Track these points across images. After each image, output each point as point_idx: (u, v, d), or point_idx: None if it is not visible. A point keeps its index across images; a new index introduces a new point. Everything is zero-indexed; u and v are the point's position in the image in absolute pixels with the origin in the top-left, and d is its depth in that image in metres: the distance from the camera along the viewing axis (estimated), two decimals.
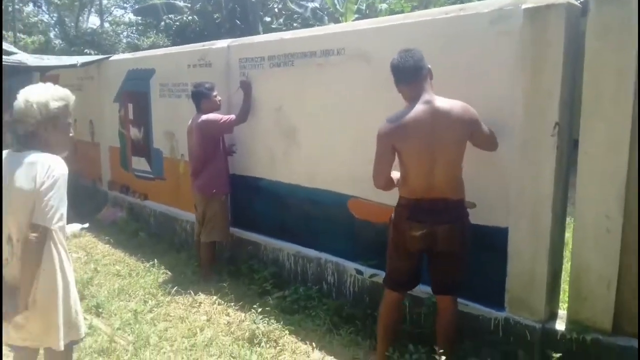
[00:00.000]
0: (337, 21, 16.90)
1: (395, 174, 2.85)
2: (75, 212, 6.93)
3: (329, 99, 3.91)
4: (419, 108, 2.65)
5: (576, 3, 2.74)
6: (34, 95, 2.18)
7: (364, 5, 14.82)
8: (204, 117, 4.48)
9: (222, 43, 5.01)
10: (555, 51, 2.67)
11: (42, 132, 2.20)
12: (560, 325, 2.83)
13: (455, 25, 3.12)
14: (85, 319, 3.54)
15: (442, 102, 2.66)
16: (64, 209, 2.16)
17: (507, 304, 2.99)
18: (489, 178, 3.02)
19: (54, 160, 2.16)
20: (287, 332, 3.47)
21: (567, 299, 2.86)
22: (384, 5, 13.46)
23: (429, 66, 2.75)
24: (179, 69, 5.49)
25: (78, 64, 6.96)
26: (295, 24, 20.25)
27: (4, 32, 18.48)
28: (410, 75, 2.70)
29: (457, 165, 2.71)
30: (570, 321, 2.79)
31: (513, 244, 2.93)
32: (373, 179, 2.85)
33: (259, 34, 17.59)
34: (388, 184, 2.85)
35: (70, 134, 2.35)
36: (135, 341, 3.36)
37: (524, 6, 2.78)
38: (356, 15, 15.70)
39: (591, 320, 2.71)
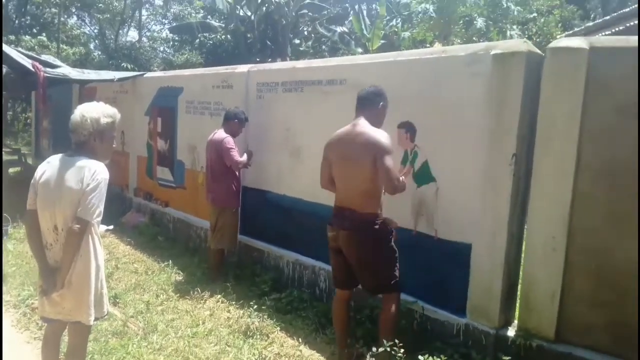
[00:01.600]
0: (363, 46, 17.47)
1: None
2: (103, 215, 7.56)
3: (331, 122, 4.32)
4: (346, 129, 3.28)
5: (538, 51, 3.16)
6: (89, 112, 2.64)
7: (387, 32, 15.32)
8: (223, 136, 4.88)
9: (243, 68, 5.54)
10: (515, 92, 3.10)
11: (92, 142, 2.64)
12: (512, 332, 3.20)
13: (439, 65, 3.57)
14: None
15: (361, 128, 3.18)
16: (102, 207, 2.63)
17: (468, 311, 3.38)
18: (459, 200, 3.43)
19: (99, 166, 2.60)
20: (278, 328, 3.90)
21: None
22: (407, 34, 13.95)
23: (382, 103, 3.30)
24: (204, 89, 6.05)
25: (115, 79, 7.61)
26: (323, 47, 20.95)
27: (48, 42, 19.58)
28: (359, 103, 3.31)
29: (365, 183, 3.14)
30: (519, 328, 3.17)
31: (475, 258, 3.33)
32: None
33: (287, 55, 18.33)
34: (327, 187, 3.46)
35: (114, 145, 2.81)
36: (145, 327, 3.84)
37: (493, 52, 3.22)
38: (382, 41, 16.25)
39: (537, 329, 3.08)
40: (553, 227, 3.00)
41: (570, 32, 12.48)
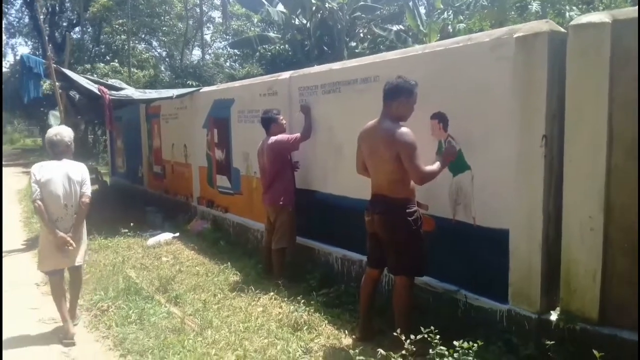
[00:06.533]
0: (421, 42, 17.25)
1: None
2: (170, 223, 8.01)
3: (368, 119, 4.42)
4: (372, 123, 3.54)
5: (561, 29, 3.10)
6: (61, 133, 4.21)
7: (442, 25, 15.05)
8: (274, 138, 5.19)
9: (285, 74, 5.74)
10: (540, 73, 3.06)
11: (68, 149, 4.21)
12: (554, 316, 3.13)
13: (464, 53, 3.57)
14: (165, 306, 4.37)
15: (383, 124, 3.43)
16: None
17: (510, 297, 3.34)
18: (494, 185, 3.41)
19: (83, 165, 4.26)
20: (326, 321, 4.03)
21: None
22: (462, 25, 13.67)
23: (402, 98, 3.45)
24: (252, 98, 6.31)
25: (174, 96, 8.07)
26: (381, 47, 20.88)
27: (120, 67, 20.84)
28: (383, 97, 3.51)
29: (394, 172, 3.41)
30: (562, 312, 3.10)
31: (513, 243, 3.30)
32: None
33: (344, 58, 18.43)
34: (362, 173, 3.82)
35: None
36: (201, 324, 4.08)
37: (516, 35, 3.20)
38: (439, 35, 15.99)
39: (580, 311, 3.01)
40: (589, 206, 2.93)
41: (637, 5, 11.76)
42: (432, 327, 3.01)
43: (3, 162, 14.66)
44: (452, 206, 3.73)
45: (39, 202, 3.96)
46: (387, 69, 4.21)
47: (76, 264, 4.21)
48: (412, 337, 3.08)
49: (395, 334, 3.18)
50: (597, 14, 2.90)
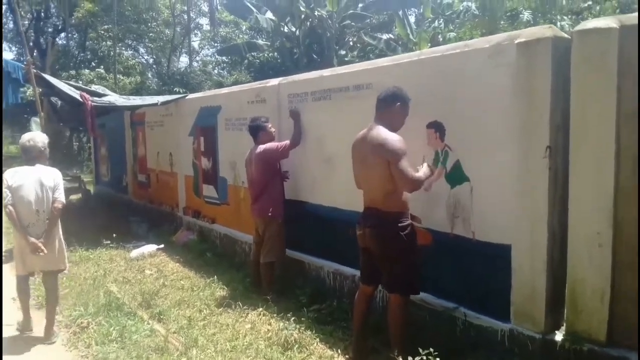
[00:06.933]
0: (411, 51, 17.18)
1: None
2: (155, 234, 7.77)
3: (360, 128, 4.26)
4: (363, 132, 3.41)
5: (565, 35, 2.96)
6: (33, 139, 4.24)
7: (432, 34, 15.01)
8: (263, 146, 5.00)
9: (274, 81, 5.57)
10: (544, 81, 2.91)
11: (41, 154, 4.21)
12: (559, 337, 2.97)
13: (463, 60, 3.42)
14: (148, 323, 4.15)
15: (374, 131, 3.26)
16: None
17: (512, 316, 3.18)
18: (495, 198, 3.25)
19: (57, 171, 4.24)
20: (317, 340, 3.83)
21: None
22: (452, 34, 13.63)
23: (398, 104, 3.31)
24: (240, 105, 6.12)
25: (158, 103, 7.86)
26: (370, 56, 20.81)
27: (106, 73, 20.52)
28: (376, 105, 3.43)
29: (385, 183, 3.22)
30: (568, 332, 2.94)
31: (516, 260, 3.14)
32: None
33: (333, 67, 18.30)
34: (361, 187, 3.55)
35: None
36: (185, 342, 3.86)
37: (517, 41, 3.06)
38: (429, 44, 15.93)
39: (587, 332, 2.85)
40: (597, 222, 2.78)
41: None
42: (430, 349, 2.84)
43: None
44: (450, 219, 3.57)
45: (10, 207, 3.98)
46: (381, 76, 4.06)
47: (55, 268, 4.24)
48: (410, 358, 2.91)
49: (392, 355, 3.01)
50: (603, 19, 2.77)
